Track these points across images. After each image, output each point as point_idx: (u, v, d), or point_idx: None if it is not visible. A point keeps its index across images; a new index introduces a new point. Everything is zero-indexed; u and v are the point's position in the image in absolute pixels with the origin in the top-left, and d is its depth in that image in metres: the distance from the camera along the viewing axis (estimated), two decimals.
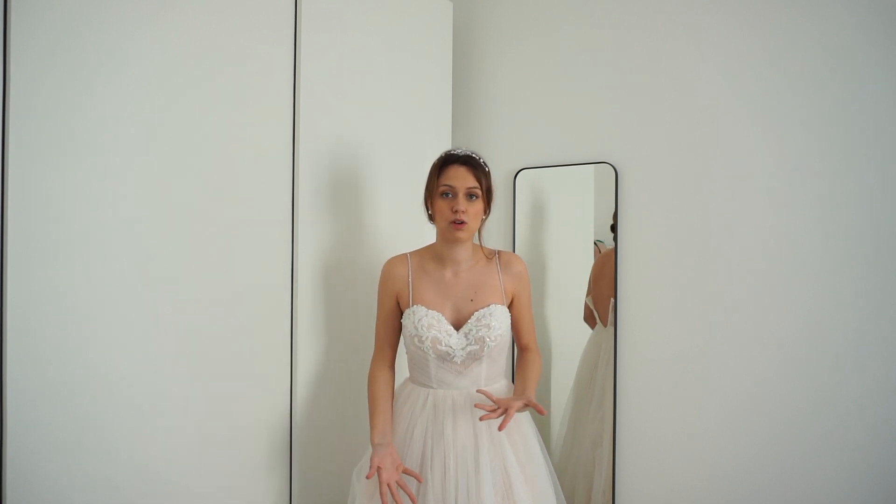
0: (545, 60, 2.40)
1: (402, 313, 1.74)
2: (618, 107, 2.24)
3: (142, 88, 1.44)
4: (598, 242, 2.30)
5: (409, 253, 1.78)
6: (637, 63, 2.21)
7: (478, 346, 1.64)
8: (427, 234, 2.05)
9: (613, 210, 2.24)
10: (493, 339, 1.65)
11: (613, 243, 2.25)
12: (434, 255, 1.75)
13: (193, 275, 1.55)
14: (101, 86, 1.37)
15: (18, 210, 1.25)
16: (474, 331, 1.65)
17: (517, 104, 2.45)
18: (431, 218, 1.76)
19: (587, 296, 2.32)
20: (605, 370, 2.25)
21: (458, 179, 1.64)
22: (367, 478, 1.53)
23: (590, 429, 2.27)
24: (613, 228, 2.25)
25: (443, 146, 2.33)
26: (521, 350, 1.83)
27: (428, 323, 1.65)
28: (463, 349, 1.65)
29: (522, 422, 1.73)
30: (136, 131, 1.43)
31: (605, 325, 2.26)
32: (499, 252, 1.78)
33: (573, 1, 2.35)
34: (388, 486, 1.50)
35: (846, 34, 1.90)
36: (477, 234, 1.76)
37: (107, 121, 1.38)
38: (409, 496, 1.55)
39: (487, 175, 1.69)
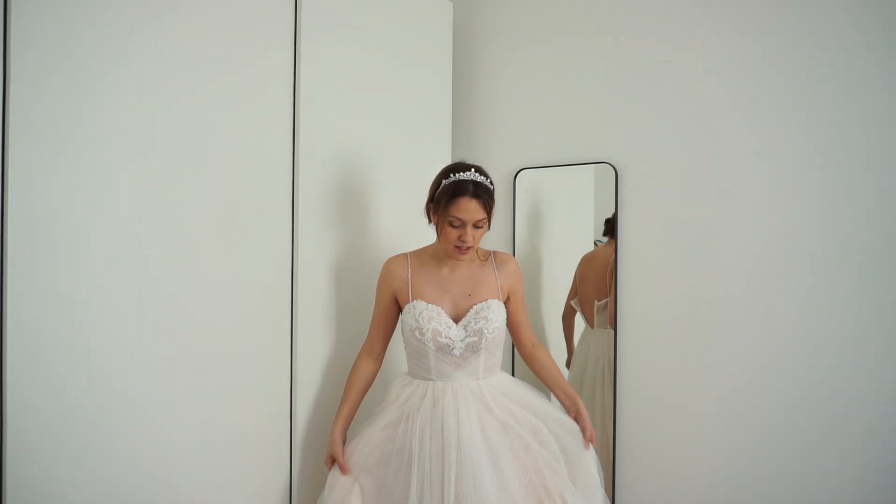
0: (545, 61, 2.40)
1: (398, 310, 1.82)
2: (618, 107, 2.24)
3: (142, 90, 1.44)
4: (598, 242, 2.30)
5: (409, 253, 1.85)
6: (637, 63, 2.21)
7: (476, 338, 1.71)
8: (426, 237, 2.05)
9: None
10: (490, 331, 1.71)
11: (594, 246, 2.28)
12: (433, 254, 1.82)
13: (193, 275, 1.55)
14: (101, 87, 1.37)
15: (18, 210, 1.25)
16: (473, 323, 1.71)
17: (517, 104, 2.45)
18: (431, 221, 1.81)
19: (572, 297, 2.32)
20: (593, 371, 2.25)
21: (468, 213, 1.66)
22: (344, 473, 1.69)
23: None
24: (607, 232, 2.26)
25: (443, 147, 2.33)
26: (529, 348, 1.89)
27: (428, 316, 1.72)
28: (462, 341, 1.71)
29: (527, 411, 1.74)
30: (136, 132, 1.43)
31: (592, 327, 2.26)
32: (493, 252, 1.85)
33: (573, 1, 2.35)
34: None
35: (844, 37, 1.90)
36: None
37: (107, 122, 1.38)
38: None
39: (493, 198, 1.72)
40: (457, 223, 1.68)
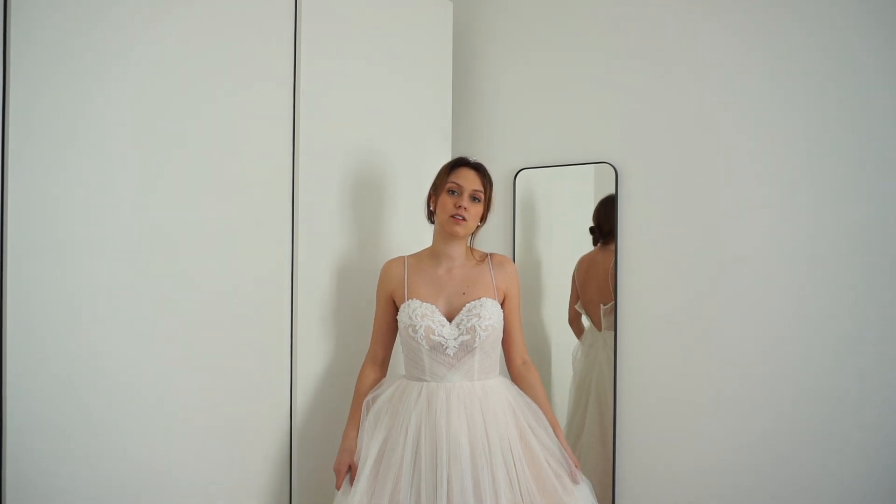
0: (545, 60, 2.40)
1: (397, 311, 1.81)
2: (618, 107, 2.24)
3: (142, 89, 1.44)
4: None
5: (407, 256, 1.86)
6: (637, 63, 2.21)
7: (469, 336, 1.69)
8: (425, 236, 2.05)
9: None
10: (483, 328, 1.70)
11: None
12: (430, 254, 1.83)
13: (193, 275, 1.55)
14: (101, 86, 1.37)
15: (18, 209, 1.25)
16: (465, 321, 1.71)
17: (517, 104, 2.45)
18: (431, 216, 1.85)
19: (575, 302, 2.32)
20: (599, 372, 2.25)
21: (466, 180, 1.77)
22: (338, 488, 1.68)
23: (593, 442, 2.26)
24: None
25: (443, 146, 2.33)
26: (519, 366, 1.84)
27: (422, 313, 1.72)
28: (455, 339, 1.70)
29: (512, 423, 1.71)
30: (136, 132, 1.43)
31: (600, 330, 2.25)
32: (490, 254, 1.86)
33: (573, 2, 2.35)
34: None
35: (844, 37, 1.90)
36: (470, 239, 1.86)
37: (107, 121, 1.38)
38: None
39: (491, 185, 1.82)
40: (455, 188, 1.76)
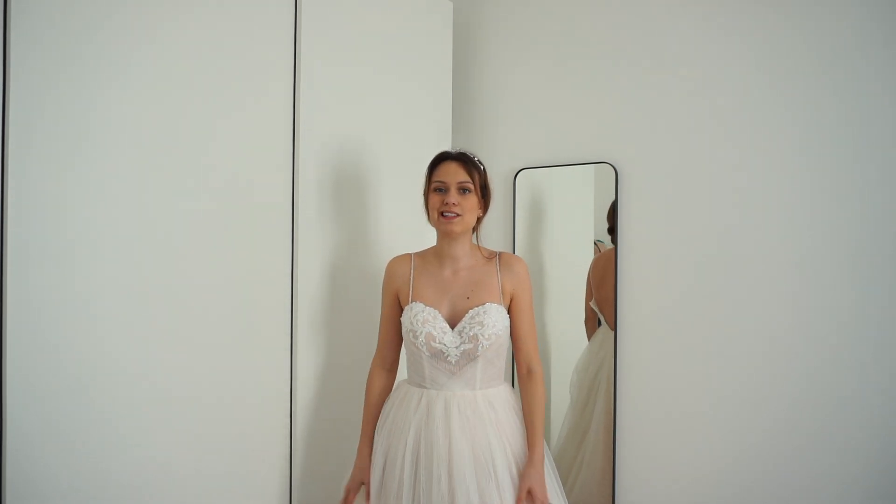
0: (545, 60, 2.40)
1: (402, 311, 1.75)
2: (618, 107, 2.24)
3: (142, 88, 1.44)
4: (598, 242, 2.30)
5: (414, 253, 1.80)
6: (638, 63, 2.21)
7: (472, 345, 1.63)
8: (426, 232, 2.05)
9: (608, 211, 2.25)
10: (487, 337, 1.62)
11: (613, 244, 2.25)
12: (435, 254, 1.76)
13: (193, 274, 1.55)
14: (101, 86, 1.37)
15: (18, 210, 1.25)
16: (468, 329, 1.63)
17: (517, 104, 2.45)
18: (427, 211, 1.79)
19: (590, 300, 2.31)
20: (609, 370, 2.24)
21: (449, 175, 1.68)
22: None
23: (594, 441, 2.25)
24: (612, 230, 2.25)
25: (443, 146, 2.33)
26: (523, 375, 1.74)
27: (423, 318, 1.65)
28: (457, 348, 1.63)
29: (517, 434, 1.69)
30: (136, 131, 1.43)
31: (613, 329, 2.24)
32: (500, 253, 1.77)
33: (573, 2, 2.35)
34: None
35: (845, 38, 1.90)
36: (475, 235, 1.78)
37: (107, 121, 1.38)
38: None
39: (481, 172, 1.72)
40: (440, 186, 1.68)
